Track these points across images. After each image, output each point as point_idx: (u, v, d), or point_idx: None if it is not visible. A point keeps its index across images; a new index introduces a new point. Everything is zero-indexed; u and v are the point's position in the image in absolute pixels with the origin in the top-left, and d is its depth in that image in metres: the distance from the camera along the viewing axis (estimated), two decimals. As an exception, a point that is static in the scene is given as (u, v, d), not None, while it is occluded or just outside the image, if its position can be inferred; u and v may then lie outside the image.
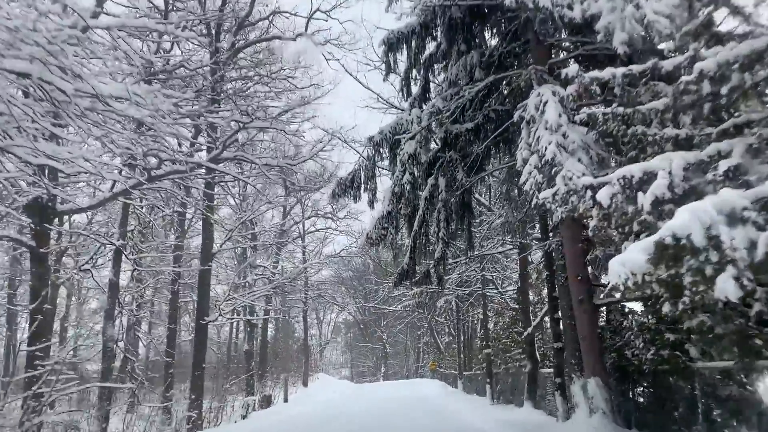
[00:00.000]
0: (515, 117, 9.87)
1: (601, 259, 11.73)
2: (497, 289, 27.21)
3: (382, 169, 14.34)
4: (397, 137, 12.61)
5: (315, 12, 25.33)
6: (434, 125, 12.41)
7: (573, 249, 11.44)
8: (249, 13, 24.96)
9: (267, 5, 33.04)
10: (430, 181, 13.70)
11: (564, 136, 8.83)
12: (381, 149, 12.89)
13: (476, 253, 20.63)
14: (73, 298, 31.26)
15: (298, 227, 46.72)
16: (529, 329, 18.10)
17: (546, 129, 8.90)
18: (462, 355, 34.48)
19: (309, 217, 47.68)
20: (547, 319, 18.34)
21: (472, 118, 12.60)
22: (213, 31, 23.94)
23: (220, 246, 24.64)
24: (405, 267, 14.52)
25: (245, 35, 25.84)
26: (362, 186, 12.97)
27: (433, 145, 14.08)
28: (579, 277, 11.39)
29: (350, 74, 24.67)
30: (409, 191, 12.51)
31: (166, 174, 15.74)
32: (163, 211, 22.93)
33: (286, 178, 32.11)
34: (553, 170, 8.58)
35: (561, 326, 14.70)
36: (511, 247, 20.42)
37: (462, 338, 35.27)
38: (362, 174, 12.96)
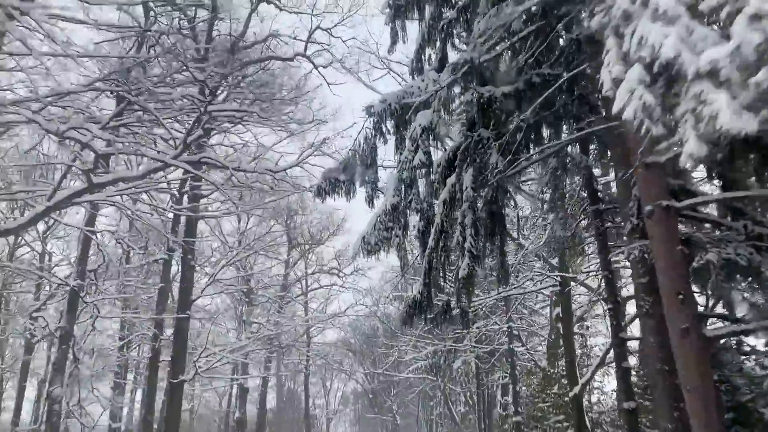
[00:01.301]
0: (593, 24, 6.20)
1: (715, 271, 7.68)
2: (524, 345, 22.99)
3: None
4: (405, 102, 8.93)
5: (315, 29, 22.34)
6: (457, 89, 8.80)
7: (668, 253, 7.52)
8: (243, 33, 21.93)
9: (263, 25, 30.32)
10: (450, 180, 9.97)
11: (688, 31, 5.14)
12: (384, 125, 9.22)
13: (509, 288, 16.59)
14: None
15: (300, 283, 42.76)
16: (577, 388, 13.95)
17: (656, 20, 5.24)
18: (483, 426, 29.76)
19: (313, 273, 43.82)
20: (594, 373, 14.22)
21: (509, 80, 8.98)
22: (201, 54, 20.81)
23: (201, 291, 20.77)
24: (418, 296, 10.62)
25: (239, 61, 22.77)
26: (357, 177, 9.25)
27: (451, 143, 10.44)
28: (681, 296, 7.45)
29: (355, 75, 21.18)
30: (423, 181, 8.77)
31: (113, 181, 12.11)
32: (132, 248, 19.18)
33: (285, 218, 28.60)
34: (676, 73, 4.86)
35: (625, 376, 10.71)
36: (546, 278, 16.34)
37: (482, 407, 30.61)
38: (357, 161, 9.26)
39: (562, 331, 15.16)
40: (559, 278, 14.21)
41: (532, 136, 8.82)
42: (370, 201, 9.26)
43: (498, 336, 23.32)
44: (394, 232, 8.91)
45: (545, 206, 12.37)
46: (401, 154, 9.01)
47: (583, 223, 11.77)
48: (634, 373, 12.30)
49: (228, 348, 20.90)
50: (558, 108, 9.25)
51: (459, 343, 25.46)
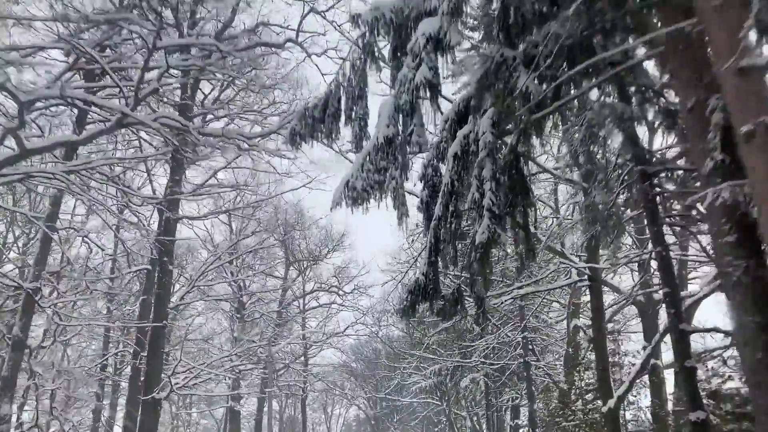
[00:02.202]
0: None
1: None
2: (538, 359, 20.47)
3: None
4: (405, 14, 6.66)
5: (308, 13, 20.26)
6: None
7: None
8: (231, 20, 19.85)
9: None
10: (462, 131, 7.70)
11: None
12: (375, 45, 6.96)
13: (528, 283, 14.07)
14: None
15: (298, 301, 40.21)
16: (612, 402, 11.49)
17: None
18: (491, 452, 27.02)
19: (312, 291, 41.24)
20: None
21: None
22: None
23: (181, 298, 18.37)
24: (421, 279, 8.29)
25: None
26: (342, 113, 6.97)
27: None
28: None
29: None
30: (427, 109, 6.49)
31: (52, 146, 9.83)
32: (101, 248, 16.79)
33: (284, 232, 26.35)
34: None
35: (691, 379, 8.28)
36: (567, 272, 13.80)
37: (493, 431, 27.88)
38: (342, 94, 7.00)
39: (592, 334, 12.74)
40: (587, 271, 11.84)
41: (577, 54, 6.48)
42: (357, 142, 6.96)
43: (511, 350, 20.81)
44: (389, 174, 6.62)
45: (574, 172, 10.09)
46: (397, 76, 6.71)
47: (621, 197, 9.43)
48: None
49: (209, 362, 18.32)
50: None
51: (467, 358, 22.94)
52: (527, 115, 6.95)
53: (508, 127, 7.70)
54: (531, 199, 8.37)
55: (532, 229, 8.75)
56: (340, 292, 40.87)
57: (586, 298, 22.93)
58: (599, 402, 14.45)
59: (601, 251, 12.54)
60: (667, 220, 8.67)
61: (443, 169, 8.43)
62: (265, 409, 41.53)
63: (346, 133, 7.10)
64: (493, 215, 6.85)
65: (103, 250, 16.71)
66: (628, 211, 9.45)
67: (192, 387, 18.72)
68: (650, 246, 9.29)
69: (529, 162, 8.74)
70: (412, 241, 18.79)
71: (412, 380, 34.41)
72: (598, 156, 8.84)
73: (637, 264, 14.40)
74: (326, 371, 42.74)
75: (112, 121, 9.28)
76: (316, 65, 20.13)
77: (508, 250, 14.40)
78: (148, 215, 21.75)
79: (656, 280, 15.13)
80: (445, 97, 7.53)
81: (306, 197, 53.75)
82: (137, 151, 20.77)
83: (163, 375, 17.64)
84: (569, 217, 11.71)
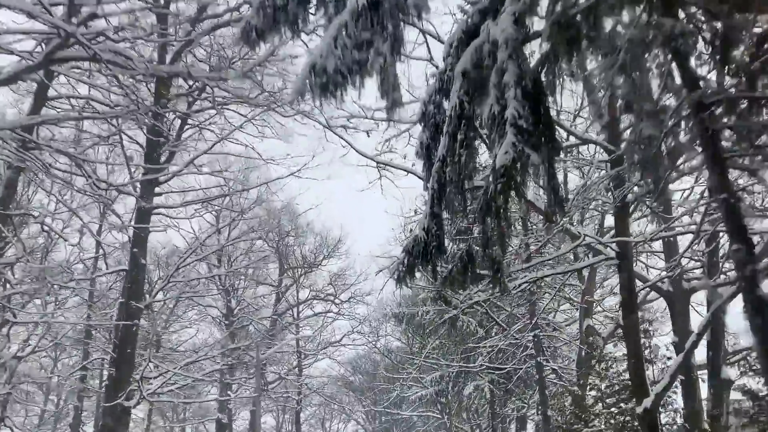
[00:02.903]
0: None
1: None
2: (548, 359, 18.46)
3: None
4: None
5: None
6: None
7: None
8: (212, -2, 18.13)
9: None
10: (475, 42, 5.88)
11: None
12: None
13: (544, 260, 12.02)
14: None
15: (292, 310, 38.13)
16: (648, 401, 9.51)
17: None
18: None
19: (306, 300, 39.14)
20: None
21: None
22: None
23: (154, 295, 16.35)
24: (421, 235, 6.40)
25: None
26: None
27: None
28: None
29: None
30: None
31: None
32: (63, 237, 14.80)
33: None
34: None
35: None
36: (589, 249, 11.64)
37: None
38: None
39: (621, 321, 10.75)
40: (615, 249, 9.89)
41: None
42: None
43: (519, 352, 18.78)
44: (374, 49, 4.71)
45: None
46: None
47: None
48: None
49: (183, 363, 16.22)
50: None
51: (470, 363, 20.93)
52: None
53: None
54: (557, 143, 6.50)
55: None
56: (336, 301, 38.89)
57: (597, 293, 21.04)
58: (626, 404, 12.49)
59: (633, 219, 10.66)
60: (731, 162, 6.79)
61: (447, 105, 6.60)
62: (264, 422, 39.30)
63: (317, 21, 5.26)
64: (519, 130, 4.97)
65: (66, 240, 14.76)
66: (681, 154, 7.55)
67: (168, 394, 16.66)
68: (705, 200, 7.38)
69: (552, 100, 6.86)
70: (410, 231, 16.87)
71: (412, 392, 32.26)
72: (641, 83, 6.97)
73: (662, 241, 12.55)
74: (322, 382, 40.41)
75: (42, 53, 7.40)
76: (305, 44, 18.43)
77: (518, 228, 12.50)
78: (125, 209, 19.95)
79: (688, 263, 13.25)
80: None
81: (298, 196, 49.86)
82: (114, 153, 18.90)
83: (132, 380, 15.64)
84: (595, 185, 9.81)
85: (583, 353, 17.77)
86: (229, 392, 26.02)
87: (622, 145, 9.86)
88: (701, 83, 7.29)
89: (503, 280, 6.71)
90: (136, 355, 15.39)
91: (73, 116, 11.84)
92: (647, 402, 9.67)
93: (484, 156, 7.58)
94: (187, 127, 18.90)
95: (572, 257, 15.03)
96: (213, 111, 19.03)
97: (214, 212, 22.49)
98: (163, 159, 17.56)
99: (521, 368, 19.39)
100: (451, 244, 7.13)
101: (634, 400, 12.55)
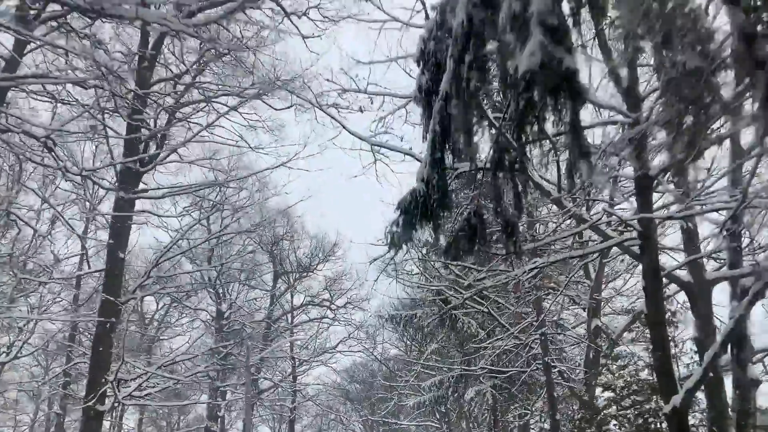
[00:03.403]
0: None
1: None
2: (552, 360, 17.17)
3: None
4: None
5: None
6: None
7: None
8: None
9: None
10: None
11: None
12: None
13: (556, 237, 10.73)
14: None
15: (286, 316, 36.81)
16: (677, 398, 8.28)
17: None
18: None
19: (302, 305, 37.81)
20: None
21: None
22: None
23: (132, 292, 15.08)
24: (421, 187, 5.22)
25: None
26: None
27: None
28: None
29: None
30: None
31: None
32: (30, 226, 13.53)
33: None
34: None
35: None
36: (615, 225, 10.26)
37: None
38: None
39: (646, 312, 9.51)
40: (638, 228, 8.67)
41: None
42: None
43: (524, 353, 17.50)
44: None
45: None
46: None
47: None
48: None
49: (163, 362, 14.81)
50: None
51: (471, 366, 19.65)
52: None
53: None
54: (579, 85, 5.32)
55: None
56: (332, 306, 37.57)
57: (605, 293, 19.82)
58: (645, 404, 11.23)
59: (659, 191, 9.46)
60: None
61: (450, 42, 5.45)
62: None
63: None
64: (546, 29, 3.81)
65: (35, 231, 13.53)
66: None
67: (147, 398, 15.33)
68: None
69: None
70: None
71: (411, 399, 30.84)
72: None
73: (681, 227, 11.33)
74: (318, 389, 38.94)
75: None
76: (297, 26, 17.27)
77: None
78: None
79: (707, 247, 12.05)
80: None
81: (288, 184, 47.05)
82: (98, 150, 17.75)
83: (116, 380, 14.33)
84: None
85: (591, 355, 16.59)
86: (218, 398, 24.63)
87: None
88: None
89: (518, 243, 5.52)
90: (113, 355, 14.11)
91: (51, 79, 10.61)
92: (676, 400, 8.43)
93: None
94: (174, 120, 17.77)
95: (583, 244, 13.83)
96: (202, 104, 18.01)
97: (203, 209, 21.23)
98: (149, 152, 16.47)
99: (526, 371, 18.10)
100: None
101: (654, 399, 11.34)
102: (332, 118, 12.88)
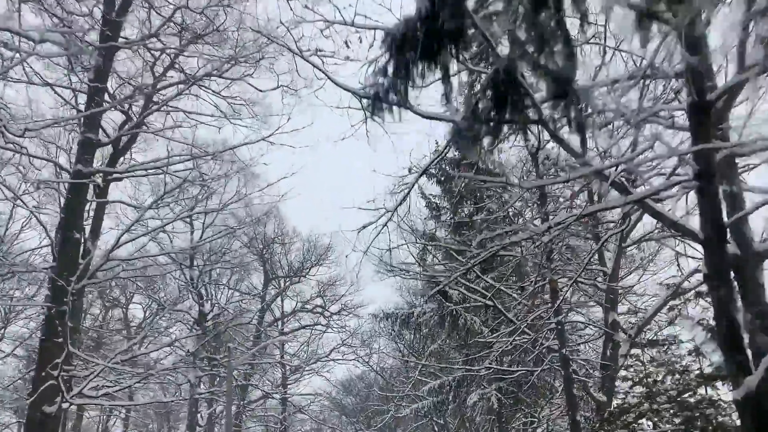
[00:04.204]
0: None
1: None
2: (566, 349, 15.05)
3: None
4: None
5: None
6: None
7: None
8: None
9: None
10: None
11: None
12: None
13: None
14: None
15: (277, 322, 34.61)
16: (752, 379, 6.30)
17: None
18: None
19: (292, 312, 35.58)
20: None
21: None
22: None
23: (92, 274, 12.97)
24: (424, 4, 3.23)
25: None
26: None
27: None
28: None
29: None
30: None
31: None
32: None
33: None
34: None
35: None
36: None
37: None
38: None
39: (706, 271, 7.51)
40: (693, 165, 6.78)
41: None
42: None
43: (538, 346, 15.33)
44: None
45: None
46: None
47: None
48: None
49: (118, 354, 12.59)
50: None
51: (475, 367, 17.52)
52: None
53: None
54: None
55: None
56: (326, 313, 35.37)
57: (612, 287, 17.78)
58: (695, 393, 9.17)
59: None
60: None
61: None
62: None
63: None
64: None
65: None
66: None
67: (107, 397, 13.11)
68: None
69: None
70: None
71: (408, 408, 28.54)
72: None
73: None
74: (310, 399, 36.50)
75: None
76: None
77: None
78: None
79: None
80: None
81: (264, 155, 43.56)
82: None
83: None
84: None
85: (608, 352, 14.62)
86: (199, 408, 22.41)
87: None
88: None
89: (575, 111, 3.53)
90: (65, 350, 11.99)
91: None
92: (751, 382, 6.42)
93: None
94: (152, 104, 15.79)
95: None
96: (182, 85, 16.10)
97: (183, 200, 19.15)
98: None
99: (535, 371, 16.00)
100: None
101: (706, 388, 9.31)
102: (315, 67, 10.91)
